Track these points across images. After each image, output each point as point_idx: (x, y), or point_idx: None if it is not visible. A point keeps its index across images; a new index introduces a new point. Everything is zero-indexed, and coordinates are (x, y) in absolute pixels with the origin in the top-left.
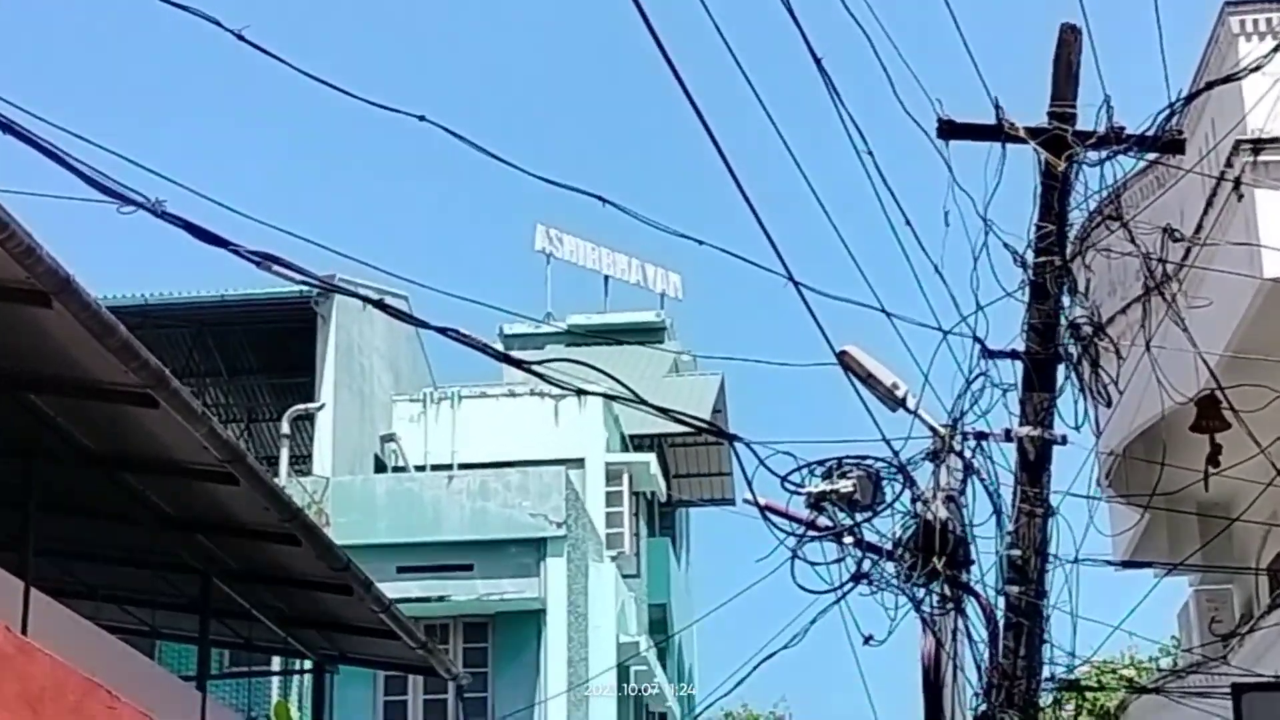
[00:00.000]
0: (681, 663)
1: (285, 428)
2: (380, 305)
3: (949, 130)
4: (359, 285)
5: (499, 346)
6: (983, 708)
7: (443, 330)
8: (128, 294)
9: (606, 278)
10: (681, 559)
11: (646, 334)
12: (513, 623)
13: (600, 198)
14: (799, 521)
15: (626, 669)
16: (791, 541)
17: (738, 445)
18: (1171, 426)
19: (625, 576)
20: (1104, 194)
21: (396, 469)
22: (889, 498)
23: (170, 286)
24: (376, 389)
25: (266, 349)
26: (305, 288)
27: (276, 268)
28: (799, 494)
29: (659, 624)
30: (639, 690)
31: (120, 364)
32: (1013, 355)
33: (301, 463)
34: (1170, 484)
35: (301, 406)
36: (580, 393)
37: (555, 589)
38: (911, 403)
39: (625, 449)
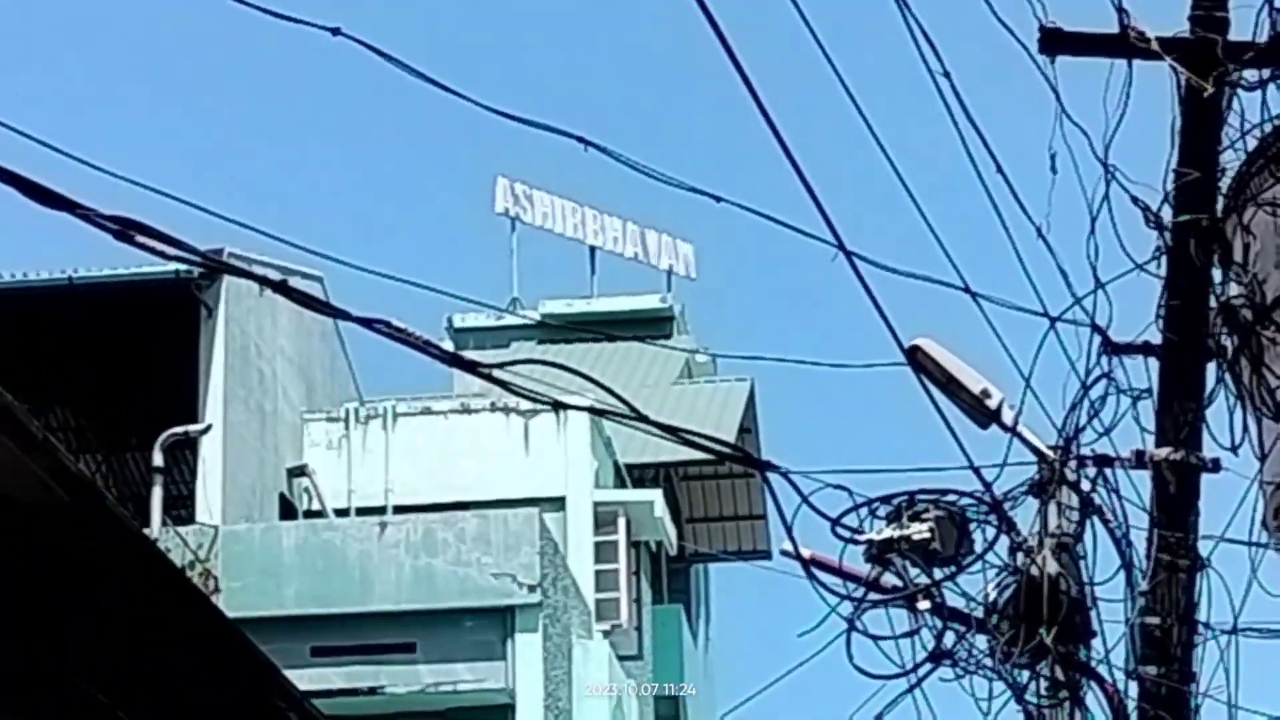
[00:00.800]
0: None
1: (158, 458)
2: (283, 288)
3: (1055, 42)
4: (256, 264)
5: (448, 345)
6: None
7: (367, 322)
8: None
9: (593, 249)
10: (699, 633)
11: (649, 326)
12: None
13: (580, 138)
14: (857, 580)
15: None
16: (847, 608)
17: (772, 476)
18: None
19: (623, 658)
20: (1267, 127)
21: (310, 514)
22: (979, 547)
23: None
24: (282, 405)
25: (132, 350)
26: (183, 267)
27: (141, 239)
28: (856, 543)
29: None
30: None
31: None
32: (1145, 350)
33: (181, 506)
34: None
35: (180, 429)
36: (559, 407)
37: (528, 676)
38: (1008, 416)
39: (622, 484)
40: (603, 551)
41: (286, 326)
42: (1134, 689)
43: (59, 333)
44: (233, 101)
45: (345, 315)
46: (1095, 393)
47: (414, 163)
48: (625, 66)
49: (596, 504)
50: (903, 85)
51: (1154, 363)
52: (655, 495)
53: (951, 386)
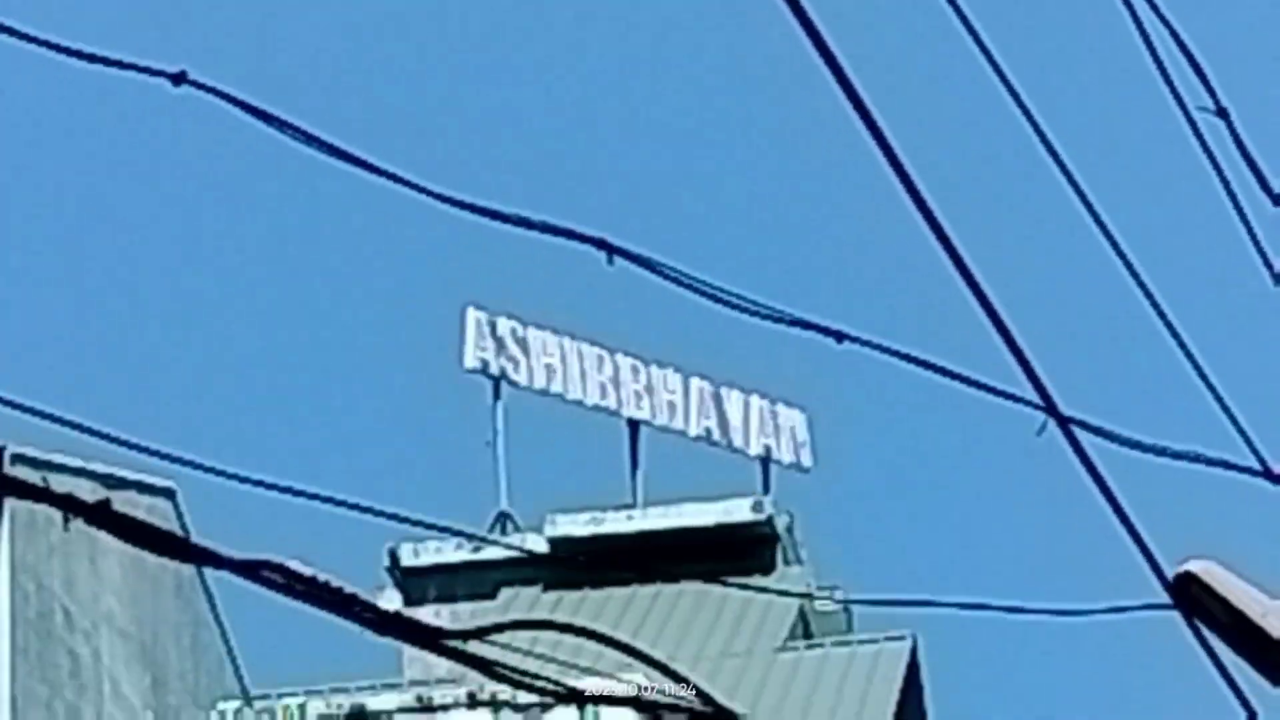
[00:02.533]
0: None
1: None
2: (102, 515)
3: None
4: (63, 472)
5: (390, 598)
6: None
7: (245, 568)
8: None
9: (634, 425)
10: None
11: (736, 555)
12: None
13: (602, 243)
14: None
15: None
16: None
17: None
18: None
19: None
20: None
21: None
22: None
23: None
24: (110, 706)
25: None
26: None
27: None
28: None
29: None
30: None
31: None
32: None
33: None
34: None
35: None
36: (585, 703)
37: None
38: None
39: None
40: None
41: (116, 578)
42: None
43: None
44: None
45: (209, 558)
46: None
47: (329, 284)
48: (668, 137)
49: None
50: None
51: None
52: None
53: (1252, 641)
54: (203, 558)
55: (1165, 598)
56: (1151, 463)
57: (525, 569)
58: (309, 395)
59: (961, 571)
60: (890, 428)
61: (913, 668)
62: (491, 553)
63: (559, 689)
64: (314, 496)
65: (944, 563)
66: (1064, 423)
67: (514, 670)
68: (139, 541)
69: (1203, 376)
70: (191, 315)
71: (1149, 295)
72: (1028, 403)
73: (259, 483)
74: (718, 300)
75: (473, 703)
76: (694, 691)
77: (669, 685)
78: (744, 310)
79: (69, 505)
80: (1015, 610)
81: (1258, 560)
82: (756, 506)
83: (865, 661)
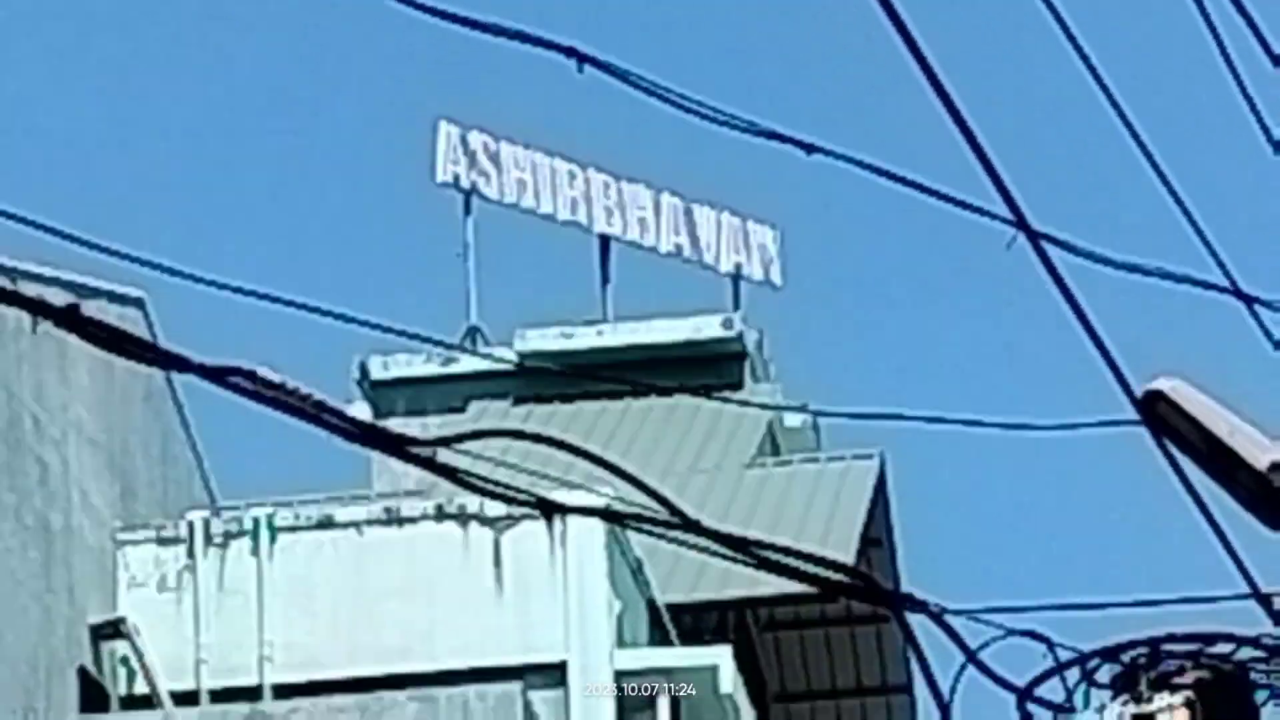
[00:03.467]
0: None
1: None
2: (71, 319)
3: None
4: (30, 279)
5: (361, 409)
6: None
7: (214, 374)
8: None
9: (605, 240)
10: None
11: (705, 370)
12: None
13: (573, 51)
14: None
15: None
16: None
17: (917, 620)
18: None
19: None
20: None
21: (132, 701)
22: None
23: None
24: (79, 516)
25: None
26: None
27: None
28: None
29: None
30: None
31: None
32: None
33: None
34: None
35: None
36: (552, 509)
37: None
38: None
39: (664, 638)
40: None
41: (86, 386)
42: None
43: None
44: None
45: (178, 363)
46: None
47: (302, 96)
48: None
49: (621, 673)
50: None
51: None
52: (722, 656)
53: (1219, 459)
54: (172, 363)
55: (1131, 414)
56: (1122, 281)
57: (494, 383)
58: (282, 208)
59: (930, 389)
60: (861, 245)
61: (880, 485)
62: (461, 366)
63: (527, 498)
64: (285, 302)
65: (913, 380)
66: (1034, 237)
67: (483, 479)
68: (108, 346)
69: (1173, 194)
70: (165, 126)
71: (1122, 115)
72: (998, 217)
73: (228, 287)
74: (688, 110)
75: (440, 516)
76: (661, 503)
77: (637, 497)
78: (714, 120)
79: (37, 308)
80: (976, 424)
81: (1226, 380)
82: (726, 323)
83: (833, 479)
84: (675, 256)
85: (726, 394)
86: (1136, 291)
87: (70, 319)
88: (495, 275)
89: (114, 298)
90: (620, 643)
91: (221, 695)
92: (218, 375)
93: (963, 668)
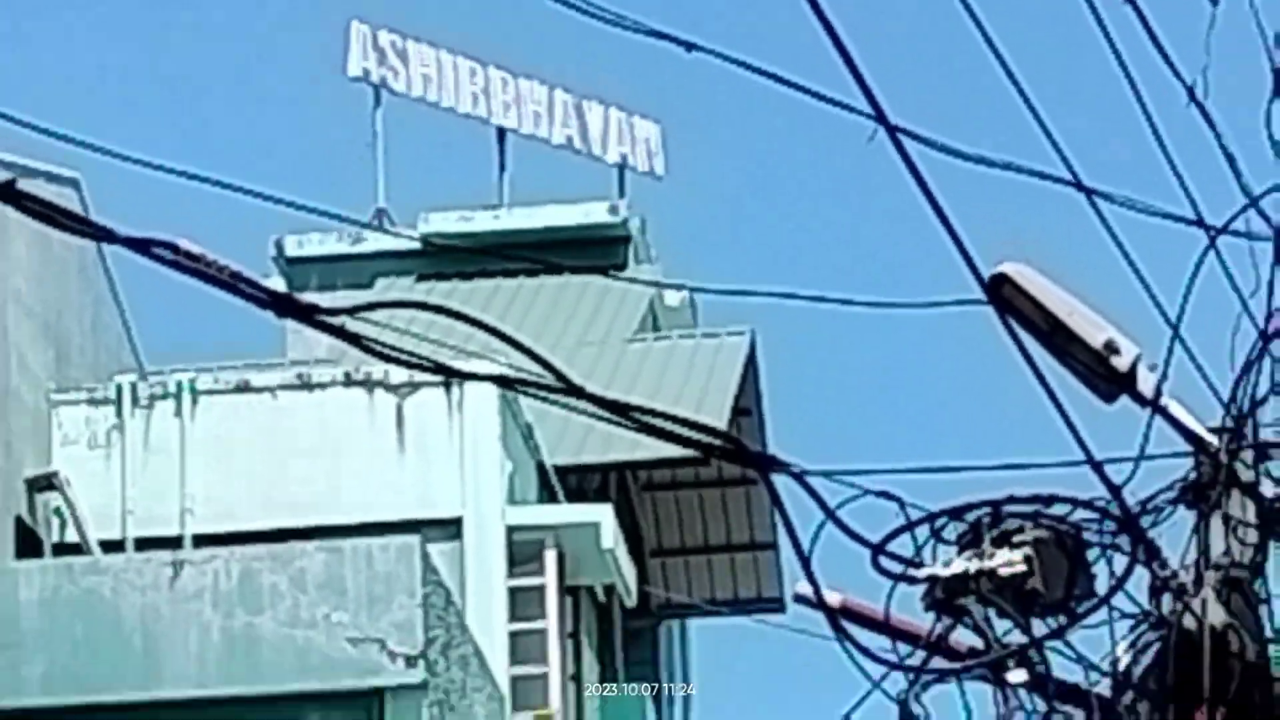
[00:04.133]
0: None
1: None
2: (8, 192)
3: None
4: None
5: (276, 283)
6: None
7: (139, 244)
8: None
9: (502, 132)
10: None
11: (592, 252)
12: None
13: None
14: (913, 640)
15: None
16: (899, 682)
17: (782, 482)
18: None
19: None
20: None
21: (64, 548)
22: (1103, 585)
23: None
24: (17, 379)
25: None
26: None
27: None
28: (913, 581)
29: None
30: None
31: None
32: None
33: None
34: None
35: None
36: (450, 374)
37: None
38: (1146, 382)
39: (551, 496)
40: (522, 602)
41: (23, 259)
42: None
43: None
44: None
45: (106, 235)
46: None
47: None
48: None
49: (512, 528)
50: None
51: None
52: (603, 514)
53: (1058, 337)
54: (102, 235)
55: (979, 295)
56: (974, 173)
57: (400, 261)
58: (209, 98)
59: (799, 272)
60: (738, 138)
61: (750, 359)
62: (369, 246)
63: (428, 365)
64: (210, 181)
65: (784, 263)
66: (892, 131)
67: (388, 347)
68: (44, 219)
69: (1020, 91)
70: (97, 13)
71: (975, 19)
72: (860, 112)
73: (158, 167)
74: (579, 10)
75: (348, 382)
76: (551, 372)
77: (529, 366)
78: (603, 20)
79: None
80: (840, 302)
81: (1067, 266)
82: (612, 209)
83: (707, 353)
84: (566, 148)
85: (611, 274)
86: (988, 183)
87: (8, 194)
88: (402, 163)
89: (50, 178)
90: (511, 500)
91: (145, 544)
92: (143, 246)
93: (821, 525)
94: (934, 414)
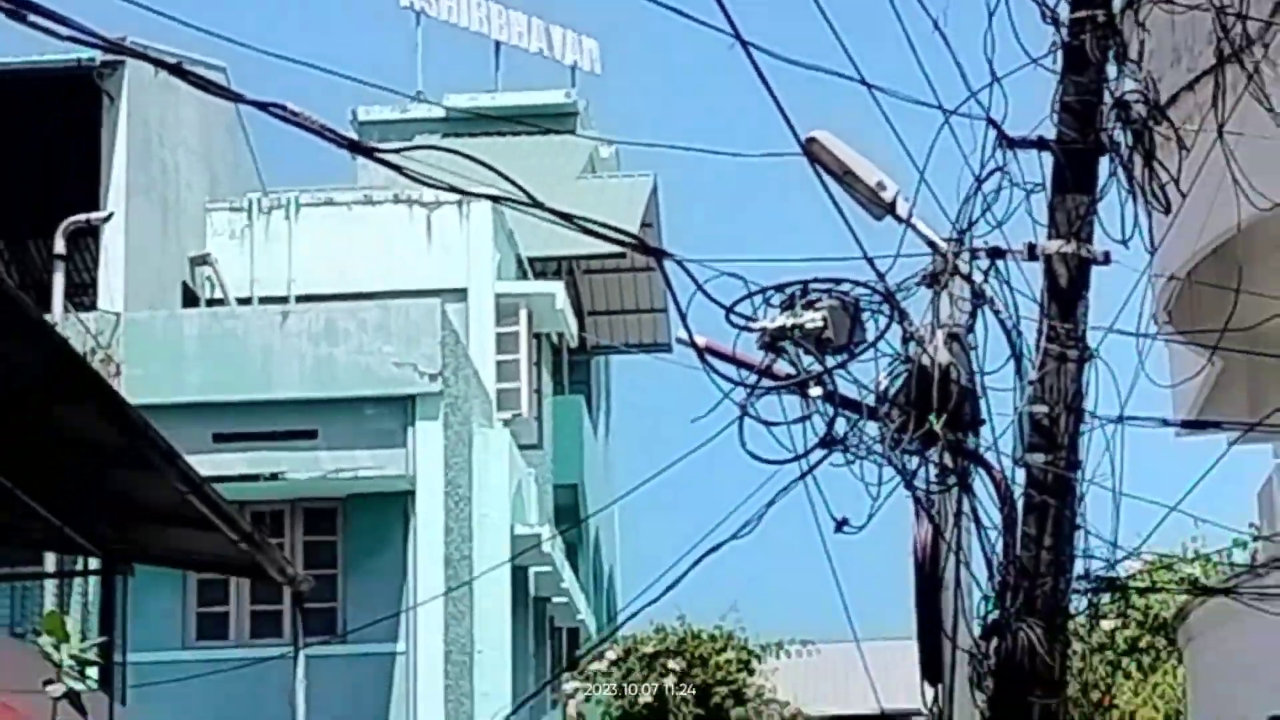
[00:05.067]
0: (598, 563)
1: (60, 246)
2: (181, 71)
3: None
4: (158, 53)
5: (351, 135)
6: (994, 615)
7: (265, 106)
8: None
9: (498, 44)
10: (599, 424)
11: (553, 120)
12: (371, 508)
13: None
14: (750, 368)
15: (524, 570)
16: (741, 395)
17: (670, 267)
18: (1253, 242)
19: (524, 447)
20: None
21: (213, 302)
22: (871, 335)
23: None
24: (185, 194)
25: (33, 139)
26: (85, 55)
27: (35, 19)
28: (750, 330)
29: (568, 510)
30: (540, 598)
31: None
32: (1040, 145)
33: (83, 293)
34: (1250, 319)
35: (82, 217)
36: (461, 195)
37: (428, 463)
38: (902, 208)
39: (524, 275)
40: (504, 343)
41: (190, 117)
42: (1020, 476)
43: None
44: None
45: (243, 99)
46: (989, 186)
47: None
48: None
49: (499, 295)
50: None
51: (1048, 157)
52: (557, 287)
53: (847, 179)
54: (237, 98)
55: (797, 150)
56: (811, 76)
57: (432, 124)
58: (309, 21)
59: (702, 128)
60: (651, 49)
61: (654, 191)
62: (413, 113)
63: (447, 188)
64: (315, 66)
65: (682, 134)
66: (744, 45)
67: (421, 177)
68: (202, 87)
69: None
70: None
71: None
72: (726, 32)
73: (277, 55)
74: None
75: (396, 200)
76: (525, 194)
77: (514, 191)
78: None
79: (161, 63)
80: (707, 152)
81: (861, 136)
82: (566, 95)
83: (627, 187)
84: (538, 55)
85: (566, 135)
86: (819, 84)
87: (179, 72)
88: (434, 62)
89: (207, 65)
90: (499, 278)
91: (264, 300)
92: (266, 106)
93: (693, 295)
94: (773, 228)
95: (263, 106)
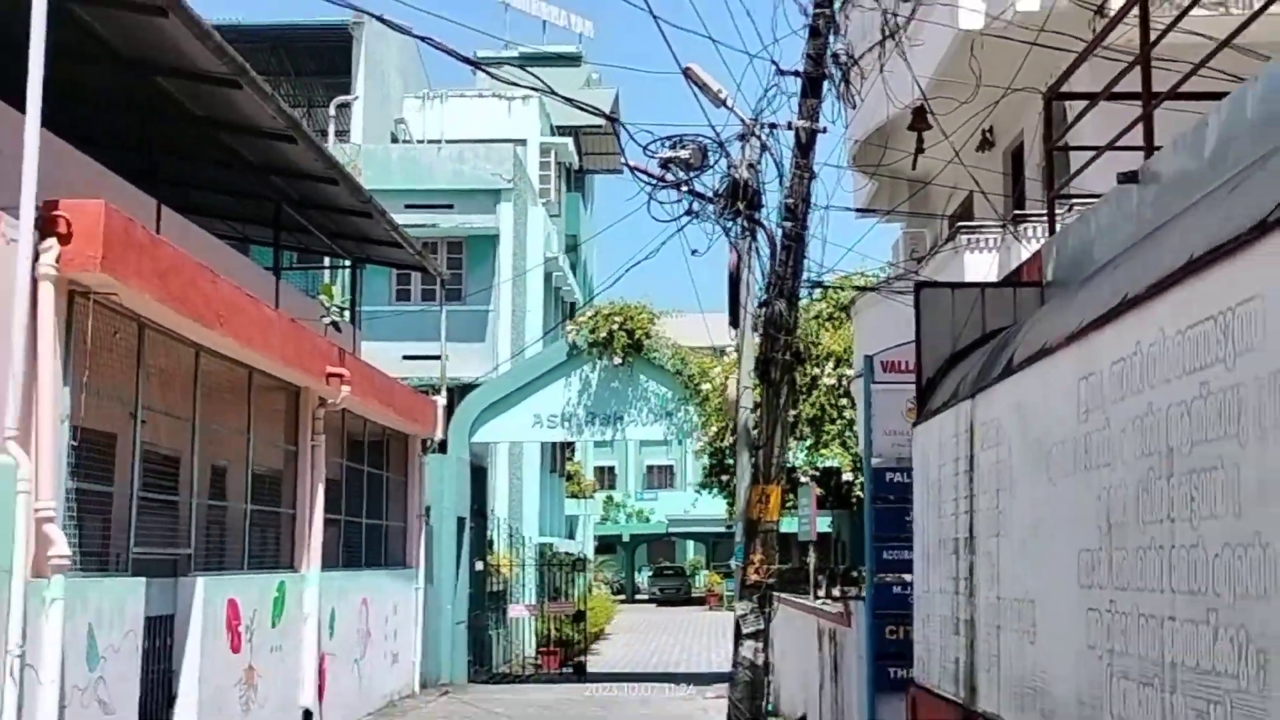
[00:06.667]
0: (586, 272)
1: (332, 111)
2: (383, 20)
3: None
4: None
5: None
6: (764, 297)
7: (425, 38)
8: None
9: (544, 23)
10: (589, 207)
11: (570, 60)
12: (478, 243)
13: None
14: (654, 177)
15: (550, 274)
16: (650, 189)
17: (617, 126)
18: (895, 125)
19: (551, 216)
20: None
21: (404, 141)
22: (712, 162)
23: (253, 16)
24: (391, 88)
25: (320, 59)
26: (347, 16)
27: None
28: (655, 159)
29: (572, 246)
30: (558, 287)
31: (216, 58)
32: (796, 74)
33: (343, 136)
34: (890, 161)
35: (343, 98)
36: (527, 89)
37: (505, 222)
38: (730, 103)
39: (553, 134)
40: (544, 166)
41: (395, 48)
42: (780, 233)
43: (285, 50)
44: None
45: (412, 33)
46: (771, 94)
47: None
48: None
49: (541, 143)
50: None
51: (800, 80)
52: (569, 141)
53: (706, 89)
54: (407, 33)
55: (678, 71)
56: (689, 35)
57: (511, 59)
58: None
59: (656, 53)
60: (634, 30)
61: (618, 97)
62: (500, 54)
63: (514, 83)
64: (458, 24)
65: (639, 59)
66: (653, 16)
67: (503, 79)
68: (396, 28)
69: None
70: None
71: None
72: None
73: (437, 15)
74: None
75: (493, 96)
76: (554, 93)
77: (550, 93)
78: None
79: (376, 17)
80: (635, 69)
81: (720, 64)
82: (576, 48)
83: (603, 95)
84: (549, 23)
85: (575, 68)
86: (697, 41)
87: (383, 19)
88: (510, 28)
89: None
90: (542, 134)
91: (430, 142)
92: (426, 39)
93: (627, 140)
94: (672, 113)
95: (425, 39)
